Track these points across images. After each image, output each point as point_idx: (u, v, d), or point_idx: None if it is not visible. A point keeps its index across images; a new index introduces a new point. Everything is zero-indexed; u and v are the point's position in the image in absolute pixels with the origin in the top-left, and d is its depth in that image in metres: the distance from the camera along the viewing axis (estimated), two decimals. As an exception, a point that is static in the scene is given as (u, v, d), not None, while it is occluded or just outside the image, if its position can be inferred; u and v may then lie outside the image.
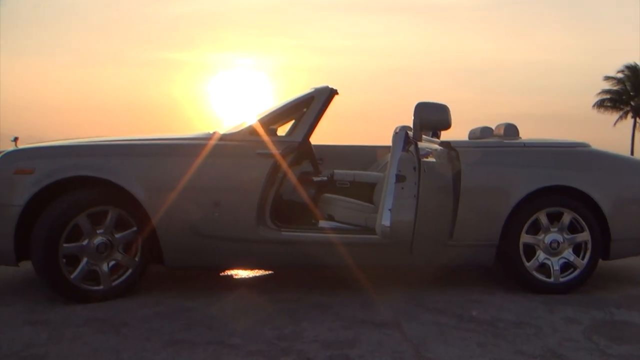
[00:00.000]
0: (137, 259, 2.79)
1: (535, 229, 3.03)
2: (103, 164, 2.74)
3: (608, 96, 35.45)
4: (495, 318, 2.56)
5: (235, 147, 2.89)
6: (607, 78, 35.21)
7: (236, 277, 3.36)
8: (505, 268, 3.10)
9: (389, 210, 2.59)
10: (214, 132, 3.06)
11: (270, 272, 3.42)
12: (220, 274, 3.38)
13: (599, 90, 35.39)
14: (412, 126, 2.76)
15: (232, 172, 2.82)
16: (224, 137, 2.95)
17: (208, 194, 2.77)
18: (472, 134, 3.90)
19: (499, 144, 3.22)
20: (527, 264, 3.00)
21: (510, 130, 3.45)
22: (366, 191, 3.36)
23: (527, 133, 3.56)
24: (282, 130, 3.17)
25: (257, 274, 3.41)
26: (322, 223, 3.06)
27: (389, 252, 2.88)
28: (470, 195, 2.92)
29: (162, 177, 2.76)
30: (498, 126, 3.58)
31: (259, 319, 2.49)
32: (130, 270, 2.78)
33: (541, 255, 3.02)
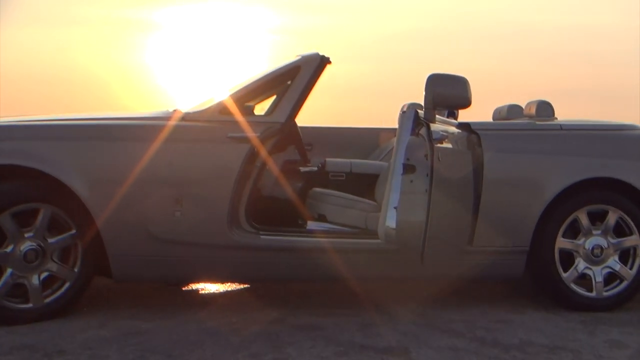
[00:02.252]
0: (76, 269, 2.76)
1: (574, 231, 3.05)
2: (32, 150, 2.69)
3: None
4: (525, 341, 2.58)
5: (202, 129, 2.86)
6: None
7: (203, 292, 3.34)
8: (537, 280, 3.12)
9: (395, 208, 2.59)
10: (174, 111, 3.04)
11: (246, 285, 3.41)
12: (183, 289, 3.36)
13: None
14: (423, 104, 2.75)
15: (198, 160, 2.80)
16: (187, 117, 2.93)
17: (167, 189, 2.74)
18: (497, 114, 3.91)
19: (529, 126, 3.23)
20: (564, 275, 3.02)
21: (544, 109, 3.46)
22: (366, 185, 3.35)
23: (564, 112, 3.57)
24: (261, 108, 3.14)
25: (230, 289, 3.39)
26: (311, 224, 3.05)
27: (395, 261, 2.89)
28: (495, 190, 2.92)
29: (109, 167, 2.73)
30: (529, 104, 3.59)
31: (231, 344, 2.47)
32: (67, 284, 2.75)
33: (581, 264, 3.04)
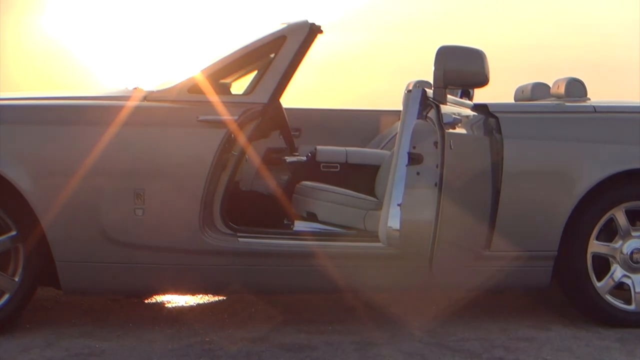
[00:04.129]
0: (17, 279, 2.76)
1: (610, 233, 3.07)
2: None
3: None
4: (552, 363, 2.59)
5: (168, 111, 2.86)
6: None
7: (170, 305, 3.34)
8: (565, 290, 3.14)
9: (398, 206, 2.59)
10: (135, 89, 3.05)
11: (221, 297, 3.41)
12: (146, 302, 3.36)
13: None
14: (432, 81, 2.75)
15: (163, 148, 2.80)
16: (151, 97, 2.93)
17: (126, 182, 2.74)
18: (520, 94, 3.91)
19: (558, 109, 3.25)
20: (598, 285, 3.04)
21: (575, 87, 3.47)
22: (364, 178, 3.37)
23: (598, 92, 3.58)
24: (239, 86, 3.13)
25: (202, 301, 3.39)
26: (299, 225, 3.07)
27: (398, 268, 2.89)
28: (517, 184, 2.94)
29: (57, 156, 2.73)
30: (557, 82, 3.60)
31: (204, 368, 2.47)
32: (7, 296, 2.75)
33: (618, 272, 3.06)
